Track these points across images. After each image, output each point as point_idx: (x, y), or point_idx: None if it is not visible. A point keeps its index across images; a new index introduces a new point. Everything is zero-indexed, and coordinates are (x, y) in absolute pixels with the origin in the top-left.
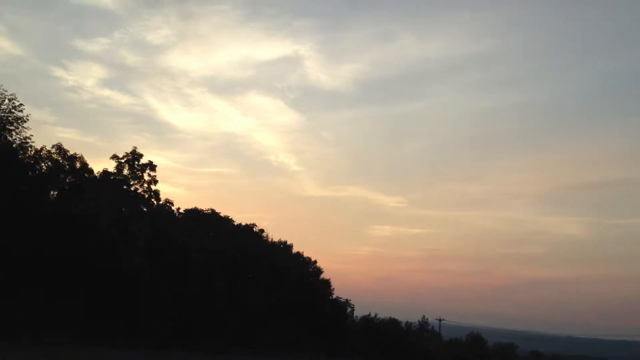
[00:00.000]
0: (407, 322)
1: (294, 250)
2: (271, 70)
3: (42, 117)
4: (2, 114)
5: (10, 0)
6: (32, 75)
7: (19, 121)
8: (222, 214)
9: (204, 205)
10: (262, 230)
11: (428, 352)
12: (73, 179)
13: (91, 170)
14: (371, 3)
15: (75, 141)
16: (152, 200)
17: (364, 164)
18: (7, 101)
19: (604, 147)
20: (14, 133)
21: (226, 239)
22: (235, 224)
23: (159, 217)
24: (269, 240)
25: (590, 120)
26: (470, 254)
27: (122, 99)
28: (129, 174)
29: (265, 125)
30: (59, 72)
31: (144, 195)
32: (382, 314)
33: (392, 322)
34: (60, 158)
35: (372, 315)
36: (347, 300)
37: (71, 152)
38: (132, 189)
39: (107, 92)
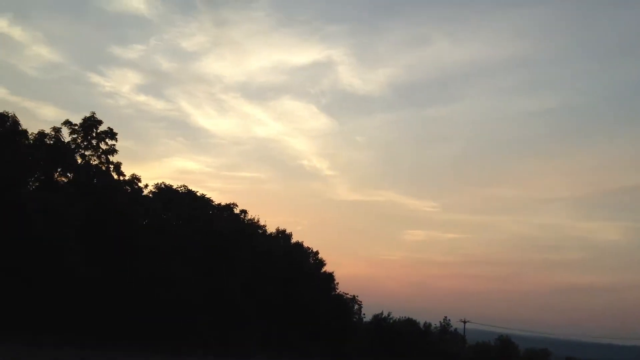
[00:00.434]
0: (425, 323)
1: (295, 240)
2: (304, 75)
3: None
4: None
5: (48, 9)
6: (70, 81)
7: None
8: (200, 194)
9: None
10: (242, 211)
11: (450, 355)
12: None
13: (24, 133)
14: (404, 7)
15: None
16: (113, 174)
17: (397, 168)
18: None
19: None
20: None
21: (203, 221)
22: (216, 204)
23: (108, 192)
24: (261, 225)
25: (627, 122)
26: (505, 259)
27: (157, 104)
28: (82, 141)
29: (298, 129)
30: (96, 78)
31: (100, 167)
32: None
33: (408, 323)
34: None
35: (385, 314)
36: (354, 296)
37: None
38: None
39: (142, 98)
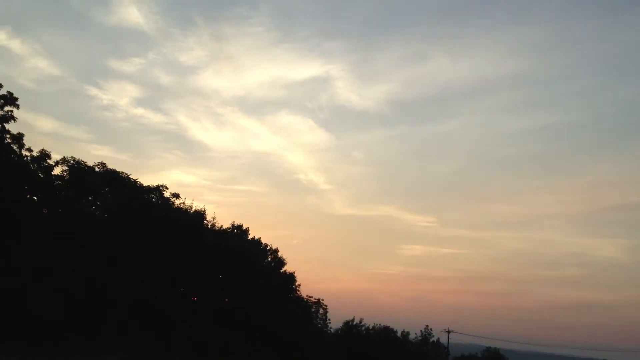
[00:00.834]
0: (404, 332)
1: (255, 237)
2: (302, 91)
3: (78, 135)
4: None
5: (47, 22)
6: (68, 94)
7: None
8: (123, 174)
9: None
10: (174, 194)
11: None
12: None
13: None
14: (402, 24)
15: (109, 158)
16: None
17: (394, 184)
18: None
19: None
20: None
21: (118, 204)
22: (145, 187)
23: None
24: (202, 214)
25: (625, 140)
26: (503, 275)
27: (154, 118)
28: None
29: (296, 144)
30: (94, 91)
31: None
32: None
33: (384, 331)
34: None
35: (357, 321)
36: (318, 300)
37: None
38: None
39: (140, 111)
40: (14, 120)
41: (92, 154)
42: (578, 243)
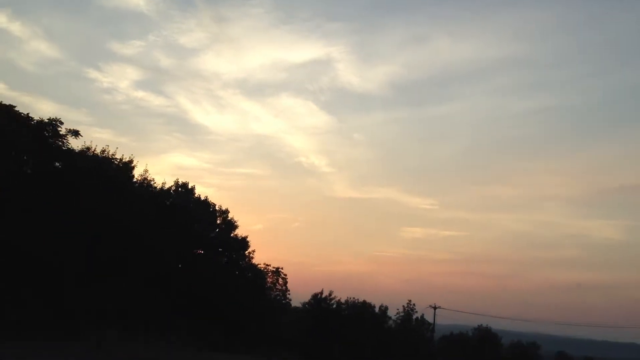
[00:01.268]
0: (382, 306)
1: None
2: (303, 73)
3: (78, 118)
4: None
5: (47, 4)
6: (68, 77)
7: None
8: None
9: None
10: (71, 131)
11: (412, 346)
12: None
13: None
14: (404, 6)
15: (110, 141)
16: None
17: (395, 166)
18: None
19: (639, 150)
20: None
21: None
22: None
23: None
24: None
25: (625, 122)
26: (502, 257)
27: (155, 101)
28: None
29: (297, 127)
30: (94, 74)
31: None
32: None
33: (360, 306)
34: None
35: (327, 294)
36: (277, 269)
37: None
38: None
39: (140, 94)
40: None
41: (93, 137)
42: (577, 225)
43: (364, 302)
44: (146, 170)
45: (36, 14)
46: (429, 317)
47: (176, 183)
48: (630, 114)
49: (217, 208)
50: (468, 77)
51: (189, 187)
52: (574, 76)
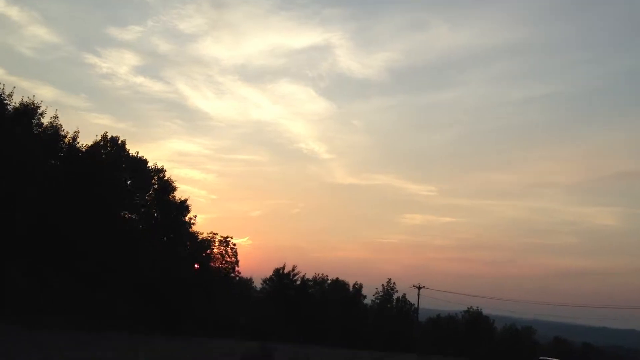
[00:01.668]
0: (356, 284)
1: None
2: (302, 59)
3: (77, 104)
4: None
5: None
6: (67, 62)
7: None
8: None
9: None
10: None
11: (390, 327)
12: None
13: None
14: None
15: (109, 127)
16: None
17: (394, 153)
18: None
19: (637, 137)
20: None
21: None
22: None
23: None
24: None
25: (622, 109)
26: (501, 244)
27: (154, 86)
28: None
29: (296, 113)
30: (93, 59)
31: None
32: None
33: (325, 283)
34: None
35: (289, 269)
36: (226, 238)
37: None
38: None
39: (140, 79)
40: None
41: (92, 123)
42: (574, 211)
43: (337, 279)
44: (55, 117)
45: None
46: (412, 298)
47: (104, 137)
48: (628, 101)
49: (151, 166)
50: (466, 64)
51: (119, 142)
52: (572, 62)
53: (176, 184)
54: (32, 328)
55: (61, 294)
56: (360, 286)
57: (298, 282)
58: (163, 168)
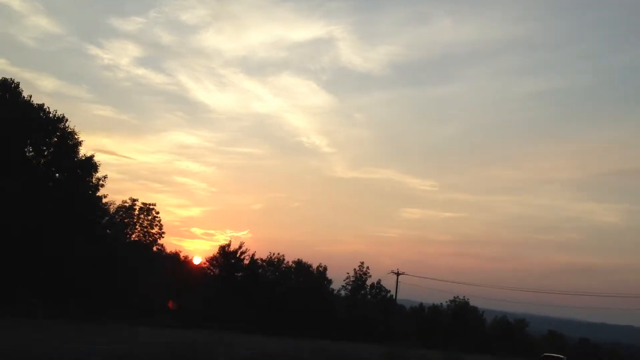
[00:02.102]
0: (320, 266)
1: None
2: (304, 52)
3: (79, 95)
4: None
5: None
6: (69, 53)
7: None
8: None
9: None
10: None
11: (360, 316)
12: None
13: None
14: None
15: (111, 119)
16: None
17: (396, 147)
18: None
19: None
20: None
21: None
22: None
23: None
24: None
25: (628, 105)
26: (502, 239)
27: (156, 78)
28: None
29: (297, 106)
30: (95, 50)
31: None
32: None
33: (279, 264)
34: None
35: (237, 246)
36: (149, 206)
37: None
38: None
39: (141, 71)
40: None
41: (94, 114)
42: (576, 208)
43: (299, 261)
44: None
45: None
46: (390, 286)
47: None
48: (630, 96)
49: (50, 116)
50: (470, 58)
51: (13, 85)
52: (574, 58)
53: (80, 137)
54: None
55: None
56: (325, 269)
57: (245, 262)
58: (64, 117)
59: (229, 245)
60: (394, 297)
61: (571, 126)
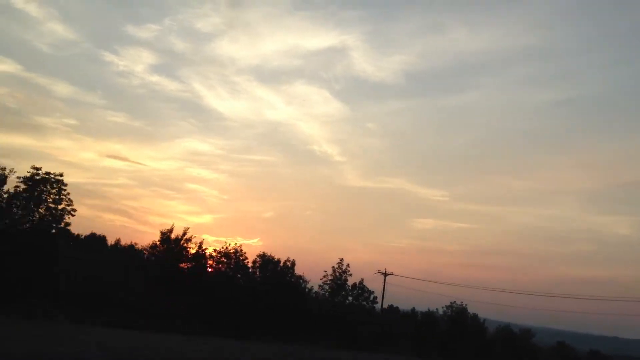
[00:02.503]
0: (288, 260)
1: None
2: (317, 60)
3: (94, 101)
4: None
5: None
6: (84, 59)
7: None
8: None
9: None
10: None
11: (336, 319)
12: None
13: None
14: None
15: (124, 125)
16: None
17: (408, 156)
18: None
19: None
20: None
21: None
22: None
23: None
24: None
25: None
26: (514, 250)
27: (170, 85)
28: None
29: (310, 115)
30: (109, 57)
31: None
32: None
33: (233, 256)
34: None
35: (179, 233)
36: (50, 175)
37: None
38: None
39: (155, 78)
40: None
41: (107, 120)
42: (590, 220)
43: (264, 254)
44: None
45: None
46: (377, 288)
47: None
48: None
49: None
50: (484, 68)
51: None
52: (592, 66)
53: None
54: None
55: None
56: (293, 263)
57: (186, 250)
58: None
59: (171, 230)
60: (380, 300)
61: (584, 137)
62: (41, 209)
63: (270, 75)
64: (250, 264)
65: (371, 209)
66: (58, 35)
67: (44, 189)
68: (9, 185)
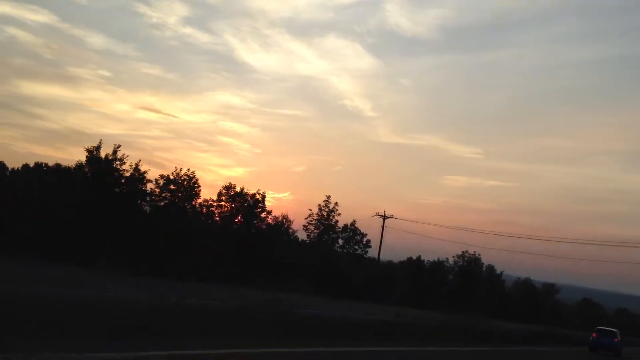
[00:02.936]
0: (259, 192)
1: None
2: (350, 14)
3: (128, 53)
4: None
5: None
6: (118, 11)
7: None
8: None
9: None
10: None
11: (321, 264)
12: None
13: None
14: None
15: (157, 77)
16: None
17: (441, 113)
18: None
19: None
20: None
21: None
22: None
23: None
24: None
25: None
26: (548, 210)
27: (202, 38)
28: None
29: (342, 69)
30: (143, 8)
31: None
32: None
33: (189, 183)
34: None
35: (111, 150)
36: None
37: None
38: None
39: (188, 30)
40: None
41: (141, 72)
42: (626, 180)
43: (230, 184)
44: None
45: None
46: (373, 234)
47: None
48: None
49: None
50: (522, 23)
51: None
52: (632, 25)
53: None
54: None
55: None
56: (263, 196)
57: (120, 172)
58: None
59: (98, 147)
60: (369, 241)
61: (624, 96)
62: None
63: (302, 29)
64: (214, 198)
65: (402, 166)
66: None
67: None
68: None
